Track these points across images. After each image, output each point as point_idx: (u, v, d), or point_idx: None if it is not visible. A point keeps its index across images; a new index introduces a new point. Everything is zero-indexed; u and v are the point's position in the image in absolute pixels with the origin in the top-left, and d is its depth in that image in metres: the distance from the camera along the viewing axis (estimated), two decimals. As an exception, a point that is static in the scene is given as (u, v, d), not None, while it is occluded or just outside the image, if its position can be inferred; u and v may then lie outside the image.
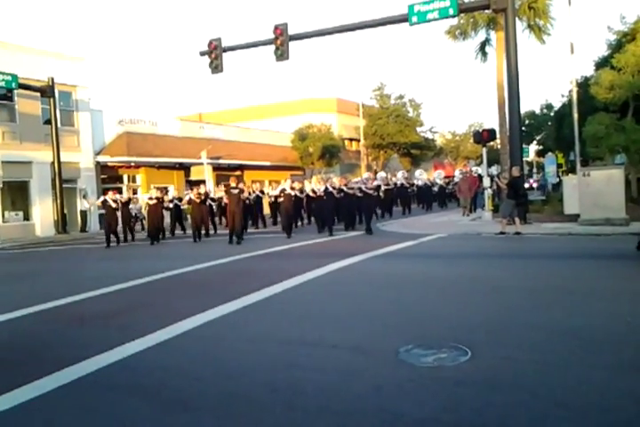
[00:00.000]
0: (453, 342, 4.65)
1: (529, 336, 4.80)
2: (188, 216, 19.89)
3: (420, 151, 45.36)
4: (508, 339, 4.78)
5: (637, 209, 15.86)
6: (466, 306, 6.12)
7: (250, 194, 20.24)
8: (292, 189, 18.27)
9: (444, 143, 54.93)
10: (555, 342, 4.62)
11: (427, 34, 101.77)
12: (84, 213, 24.44)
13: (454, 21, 23.29)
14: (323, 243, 14.31)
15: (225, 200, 18.68)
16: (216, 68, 19.58)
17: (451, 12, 16.91)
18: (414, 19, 17.22)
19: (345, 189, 16.88)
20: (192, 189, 20.02)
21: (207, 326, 5.77)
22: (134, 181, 28.71)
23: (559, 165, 38.37)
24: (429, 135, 47.57)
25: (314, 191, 18.28)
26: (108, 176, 27.03)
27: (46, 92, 22.52)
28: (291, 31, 18.46)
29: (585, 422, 3.16)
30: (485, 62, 25.17)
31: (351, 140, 46.29)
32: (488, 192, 19.56)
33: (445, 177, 34.16)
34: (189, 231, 18.76)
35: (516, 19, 18.79)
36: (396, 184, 25.41)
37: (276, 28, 18.42)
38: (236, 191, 15.57)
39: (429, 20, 17.22)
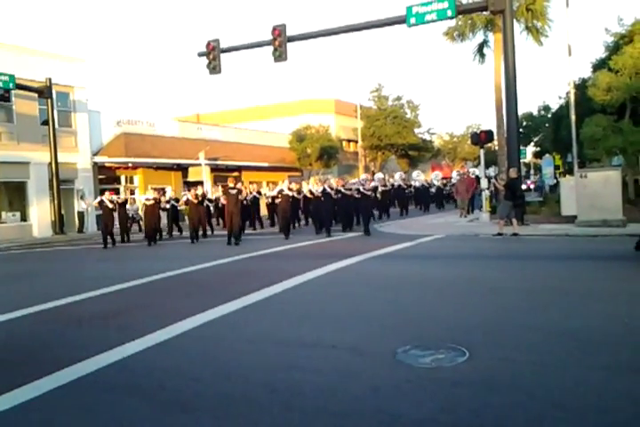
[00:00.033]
0: (451, 342, 4.67)
1: (526, 337, 4.82)
2: (186, 217, 19.92)
3: (418, 153, 45.46)
4: (505, 340, 4.80)
5: (634, 210, 15.90)
6: (463, 307, 6.14)
7: (246, 195, 20.23)
8: (290, 190, 18.29)
9: (442, 145, 55.05)
10: (552, 344, 4.64)
11: (425, 35, 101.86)
12: (81, 214, 24.42)
13: (452, 23, 23.30)
14: (321, 244, 14.32)
15: (222, 201, 18.70)
16: (214, 69, 19.58)
17: (449, 13, 16.93)
18: (412, 20, 17.24)
19: (343, 190, 16.90)
20: (189, 190, 20.03)
21: (207, 326, 5.78)
22: (132, 181, 28.70)
23: (556, 167, 38.46)
24: (427, 137, 47.71)
25: (311, 192, 18.30)
26: (106, 177, 27.00)
27: (44, 92, 22.51)
28: (289, 32, 18.46)
29: (582, 423, 3.18)
30: (483, 64, 25.15)
31: (349, 141, 46.35)
32: (485, 193, 19.60)
33: (443, 178, 34.24)
34: (186, 232, 18.77)
35: (514, 20, 18.80)
36: (393, 185, 25.45)
37: (274, 28, 18.43)
38: (234, 192, 15.57)
39: (427, 22, 17.22)
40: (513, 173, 14.80)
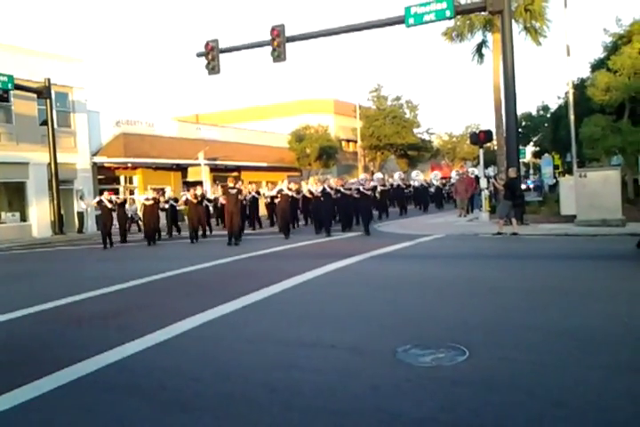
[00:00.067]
0: (451, 342, 4.67)
1: (526, 337, 4.83)
2: (185, 217, 19.89)
3: (417, 152, 45.46)
4: (505, 339, 4.81)
5: (633, 210, 15.92)
6: (463, 307, 6.14)
7: (245, 195, 20.21)
8: (290, 189, 18.30)
9: (441, 144, 55.05)
10: (552, 343, 4.64)
11: (423, 35, 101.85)
12: (80, 215, 24.41)
13: (451, 23, 23.32)
14: (320, 244, 14.32)
15: (222, 201, 18.69)
16: (213, 69, 19.58)
17: (447, 13, 16.95)
18: (411, 20, 17.26)
19: (342, 189, 16.90)
20: (189, 190, 20.02)
21: (206, 326, 5.78)
22: (131, 182, 28.70)
23: (556, 167, 38.49)
24: (426, 137, 47.71)
25: (311, 192, 18.30)
26: (105, 177, 27.00)
27: (43, 93, 22.50)
28: (288, 32, 18.46)
29: (582, 422, 3.18)
30: (482, 64, 25.19)
31: (348, 141, 46.36)
32: (485, 193, 19.61)
33: (442, 178, 34.23)
34: (184, 232, 18.74)
35: (513, 21, 18.83)
36: (392, 185, 25.45)
37: (273, 29, 18.42)
38: (234, 191, 15.56)
39: (426, 22, 17.24)
40: (512, 173, 14.82)
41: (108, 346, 5.09)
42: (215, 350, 4.98)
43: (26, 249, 18.40)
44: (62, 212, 23.14)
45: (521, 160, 29.49)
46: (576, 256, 10.08)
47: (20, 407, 3.80)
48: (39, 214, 23.22)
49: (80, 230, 24.00)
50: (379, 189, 21.46)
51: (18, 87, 21.40)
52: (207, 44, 19.48)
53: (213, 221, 21.50)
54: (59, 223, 22.74)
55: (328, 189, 16.67)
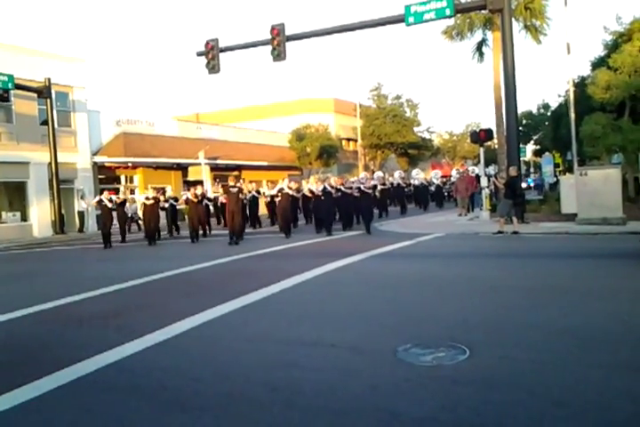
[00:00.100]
0: (451, 341, 4.66)
1: (527, 335, 4.82)
2: (186, 216, 19.88)
3: (418, 151, 45.46)
4: (506, 338, 4.80)
5: (634, 208, 15.92)
6: (464, 306, 6.13)
7: (246, 194, 20.19)
8: (290, 188, 18.28)
9: (442, 143, 55.03)
10: (552, 342, 4.63)
11: (423, 34, 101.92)
12: (81, 214, 24.43)
13: (451, 22, 23.26)
14: (321, 243, 14.31)
15: (222, 200, 18.66)
16: (213, 68, 19.57)
17: (447, 12, 16.92)
18: (411, 19, 17.23)
19: (343, 188, 16.88)
20: (189, 190, 20.01)
21: (206, 326, 5.77)
22: (132, 181, 28.70)
23: (556, 165, 38.51)
24: (427, 135, 47.71)
25: (311, 191, 18.28)
26: (106, 177, 27.02)
27: (43, 92, 22.50)
28: (288, 31, 18.44)
29: (582, 421, 3.17)
30: (482, 62, 25.14)
31: (349, 140, 46.36)
32: (485, 192, 19.59)
33: (442, 177, 34.20)
34: (184, 232, 18.71)
35: (513, 19, 18.80)
36: (392, 184, 25.42)
37: (273, 28, 18.41)
38: (235, 190, 15.55)
39: (426, 21, 17.21)
40: (513, 172, 14.80)
41: (107, 346, 5.08)
42: (215, 350, 4.97)
43: (26, 249, 18.39)
44: (63, 211, 23.16)
45: (521, 159, 29.49)
46: (577, 255, 10.07)
47: (19, 407, 3.79)
48: (40, 214, 23.24)
49: (81, 230, 24.03)
50: (379, 187, 21.46)
51: (18, 87, 21.40)
52: (207, 44, 19.47)
53: (213, 220, 21.47)
54: (59, 223, 22.76)
55: (329, 188, 16.64)
